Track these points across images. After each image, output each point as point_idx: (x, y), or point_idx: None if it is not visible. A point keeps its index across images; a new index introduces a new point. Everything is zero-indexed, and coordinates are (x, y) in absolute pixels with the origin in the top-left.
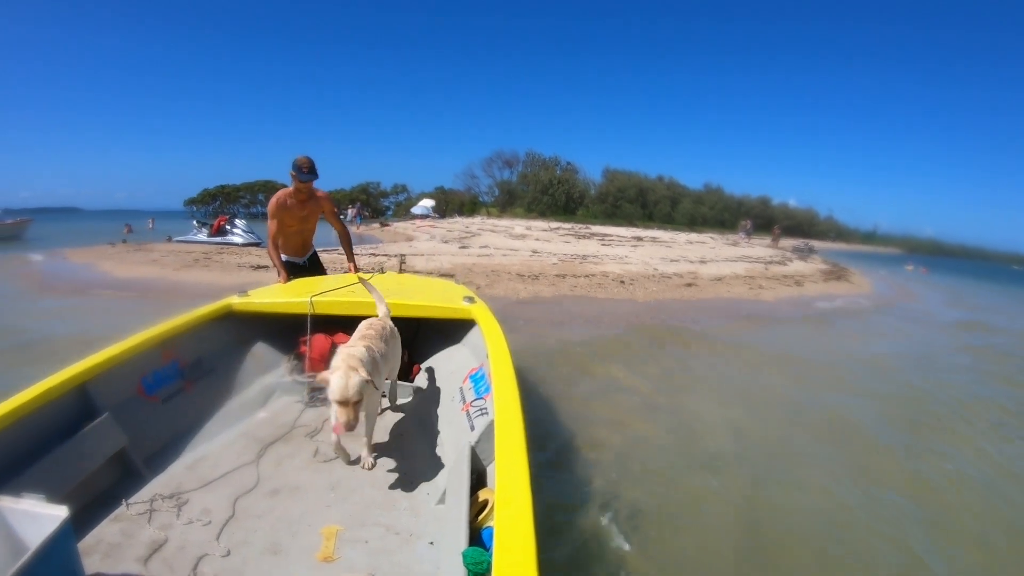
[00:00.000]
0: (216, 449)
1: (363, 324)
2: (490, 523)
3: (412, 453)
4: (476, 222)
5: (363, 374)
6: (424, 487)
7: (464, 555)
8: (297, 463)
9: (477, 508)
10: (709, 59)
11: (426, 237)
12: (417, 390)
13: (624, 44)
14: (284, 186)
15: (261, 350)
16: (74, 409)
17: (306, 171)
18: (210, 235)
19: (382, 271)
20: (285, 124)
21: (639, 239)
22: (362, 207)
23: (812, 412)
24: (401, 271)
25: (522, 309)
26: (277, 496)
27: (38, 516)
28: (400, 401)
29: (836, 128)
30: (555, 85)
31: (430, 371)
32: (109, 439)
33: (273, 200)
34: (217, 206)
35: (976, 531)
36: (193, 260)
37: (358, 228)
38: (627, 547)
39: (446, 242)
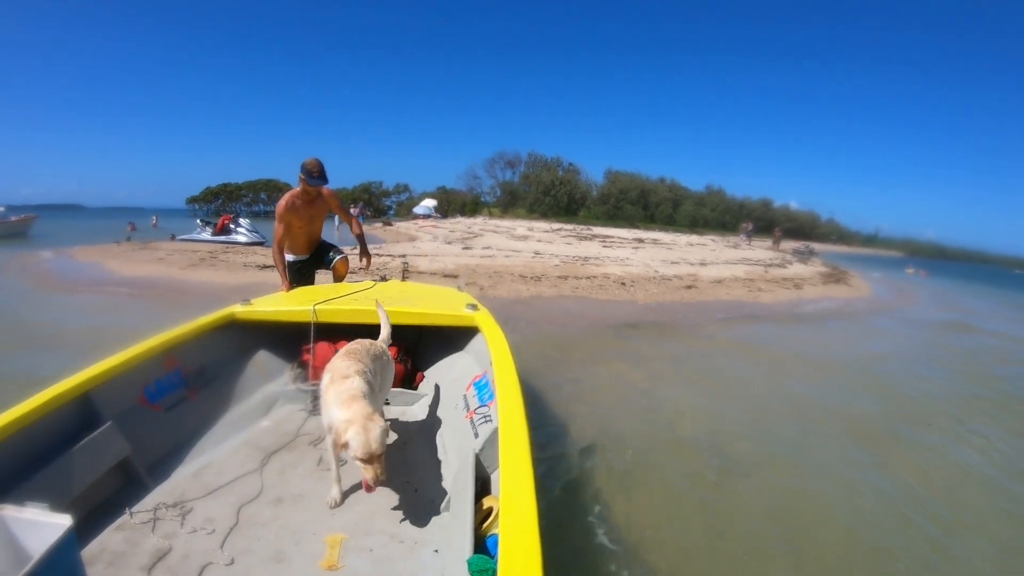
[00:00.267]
0: (220, 457)
1: (349, 345)
2: (495, 531)
3: (416, 460)
4: (478, 222)
5: (381, 421)
6: (428, 495)
7: (469, 563)
8: (301, 471)
9: (482, 516)
10: (712, 61)
11: (429, 237)
12: (421, 398)
13: (627, 46)
14: (286, 185)
15: (264, 358)
16: (77, 418)
17: (315, 175)
18: (214, 234)
19: (384, 279)
20: (287, 123)
21: (640, 241)
22: (364, 206)
23: (813, 406)
24: (404, 278)
25: (524, 310)
26: (281, 504)
27: (42, 525)
28: (404, 408)
29: (839, 131)
30: (558, 86)
31: (434, 379)
32: (112, 448)
33: (282, 202)
34: (219, 204)
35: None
36: (199, 259)
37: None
38: (630, 553)
39: (449, 243)
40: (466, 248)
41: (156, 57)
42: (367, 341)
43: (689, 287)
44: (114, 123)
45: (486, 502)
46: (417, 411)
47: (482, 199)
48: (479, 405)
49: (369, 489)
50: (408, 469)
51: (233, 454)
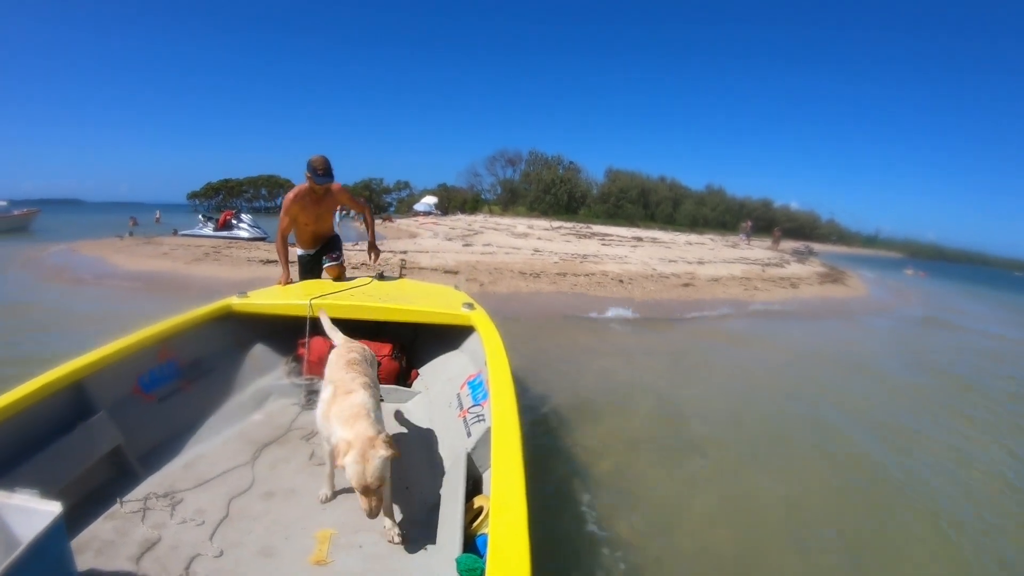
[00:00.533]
0: (212, 449)
1: (342, 351)
2: (485, 530)
3: (408, 458)
4: (478, 220)
5: (383, 450)
6: (419, 492)
7: (458, 562)
8: (292, 466)
9: (472, 515)
10: (714, 61)
11: (429, 234)
12: (415, 395)
13: (629, 46)
14: (287, 181)
15: (259, 351)
16: (70, 406)
17: (321, 172)
18: (216, 229)
19: (382, 277)
20: (288, 119)
21: (639, 239)
22: (365, 203)
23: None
24: (401, 275)
25: (520, 305)
26: (272, 498)
27: (31, 511)
28: (398, 406)
29: (841, 132)
30: (559, 85)
31: (428, 377)
32: (104, 437)
33: (290, 195)
34: (220, 200)
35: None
36: (203, 254)
37: (361, 224)
38: (620, 554)
39: (449, 239)
40: (467, 245)
41: (155, 52)
42: (359, 345)
43: (686, 285)
44: (114, 118)
45: (477, 501)
46: (411, 408)
47: (483, 197)
48: (473, 404)
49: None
50: (399, 467)
51: (225, 446)
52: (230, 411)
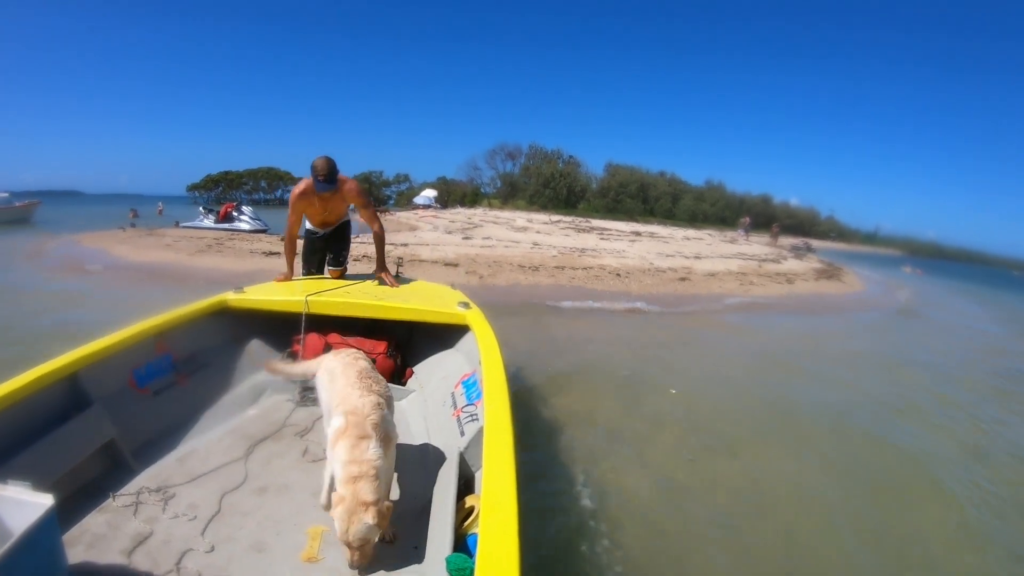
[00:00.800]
0: (205, 444)
1: (348, 357)
2: (475, 530)
3: (401, 456)
4: (478, 213)
5: (371, 519)
6: (411, 491)
7: (447, 561)
8: (286, 462)
9: (463, 514)
10: (715, 56)
11: (429, 227)
12: (409, 393)
13: (630, 41)
14: (287, 173)
15: (255, 347)
16: (64, 398)
17: (322, 178)
18: (217, 221)
19: (381, 282)
20: (288, 111)
21: (637, 234)
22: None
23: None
24: (397, 275)
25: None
26: (264, 494)
27: (23, 503)
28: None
29: (842, 129)
30: (559, 79)
31: (423, 375)
32: (98, 430)
33: (297, 191)
34: (220, 192)
35: None
36: (206, 246)
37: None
38: (612, 552)
39: (450, 233)
40: (466, 238)
41: (154, 42)
42: (364, 361)
43: (683, 279)
44: (113, 109)
45: (468, 501)
46: (404, 407)
47: (482, 190)
48: (466, 404)
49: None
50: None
51: (219, 441)
52: (224, 406)
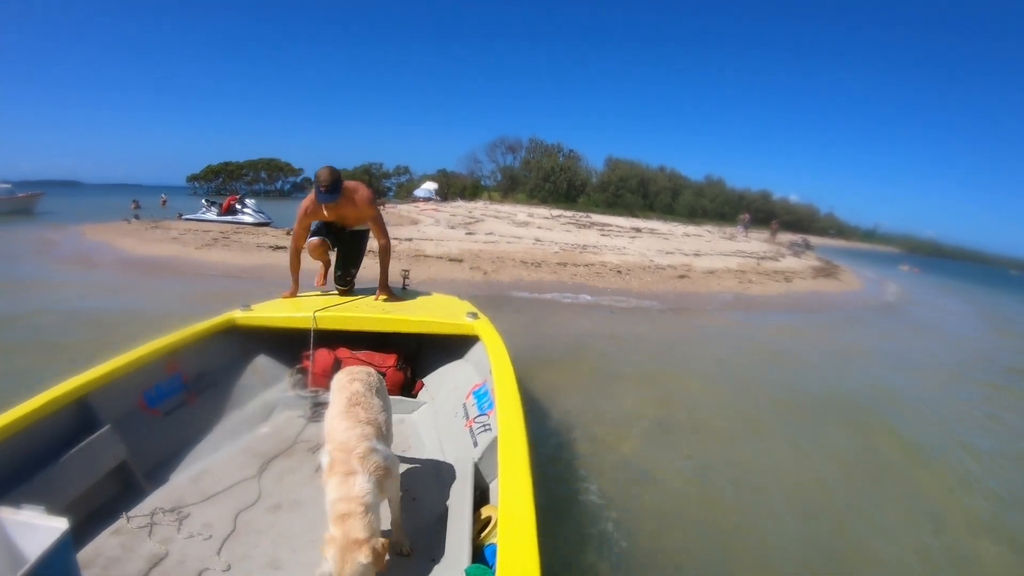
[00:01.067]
0: (218, 463)
1: (343, 379)
2: (493, 540)
3: (415, 469)
4: (479, 207)
5: (364, 557)
6: (426, 503)
7: (467, 572)
8: (299, 478)
9: (480, 525)
10: (717, 52)
11: (431, 221)
12: (420, 406)
13: (632, 35)
14: (287, 164)
15: (264, 364)
16: (75, 421)
17: (324, 189)
18: (219, 214)
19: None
20: (288, 102)
21: (637, 230)
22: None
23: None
24: (404, 287)
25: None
26: (278, 511)
27: (37, 528)
28: (403, 417)
29: (843, 126)
30: (561, 73)
31: (433, 387)
32: (110, 452)
33: (304, 206)
34: (220, 183)
35: None
36: (212, 239)
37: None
38: (629, 558)
39: (452, 227)
40: (469, 234)
41: (155, 33)
42: (363, 373)
43: (682, 277)
44: (113, 99)
45: (484, 511)
46: (416, 419)
47: (482, 183)
48: (479, 414)
49: None
50: (406, 478)
51: (231, 460)
52: (235, 424)
